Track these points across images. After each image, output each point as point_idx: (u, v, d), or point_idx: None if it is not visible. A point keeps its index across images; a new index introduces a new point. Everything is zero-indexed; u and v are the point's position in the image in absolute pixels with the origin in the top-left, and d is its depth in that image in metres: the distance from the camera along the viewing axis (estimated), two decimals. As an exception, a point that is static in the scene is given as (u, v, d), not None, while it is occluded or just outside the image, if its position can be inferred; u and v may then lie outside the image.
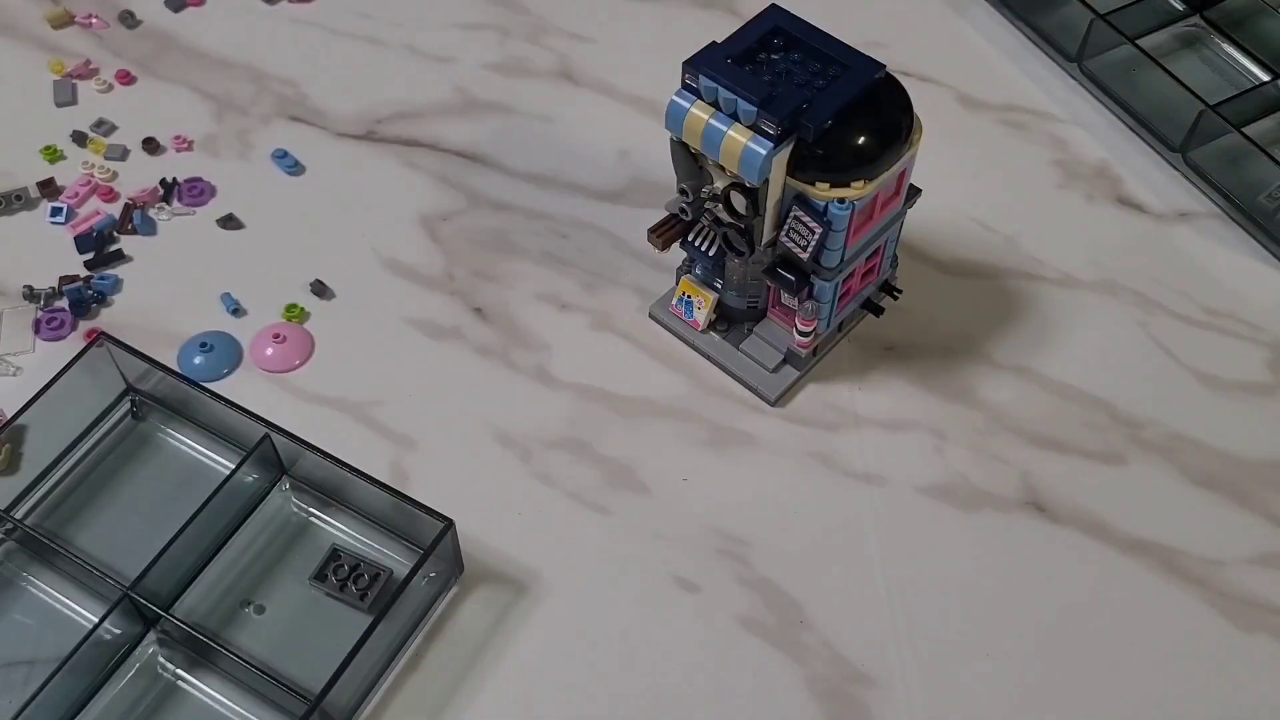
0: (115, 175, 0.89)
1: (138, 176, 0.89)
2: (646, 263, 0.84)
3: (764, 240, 0.72)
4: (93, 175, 0.88)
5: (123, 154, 0.90)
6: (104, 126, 0.91)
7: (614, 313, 0.83)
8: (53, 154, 0.89)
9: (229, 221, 0.87)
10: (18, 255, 0.84)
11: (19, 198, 0.86)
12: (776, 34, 0.69)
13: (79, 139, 0.90)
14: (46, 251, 0.84)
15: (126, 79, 0.94)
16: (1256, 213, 0.87)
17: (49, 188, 0.87)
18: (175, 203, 0.87)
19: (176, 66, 0.96)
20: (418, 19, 1.00)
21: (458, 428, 0.77)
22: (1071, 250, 0.87)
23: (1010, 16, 1.01)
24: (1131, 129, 0.93)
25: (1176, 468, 0.77)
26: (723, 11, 1.00)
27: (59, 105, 0.92)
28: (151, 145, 0.90)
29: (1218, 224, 0.89)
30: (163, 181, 0.88)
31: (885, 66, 0.68)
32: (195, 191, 0.87)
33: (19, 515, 0.72)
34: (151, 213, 0.87)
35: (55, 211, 0.86)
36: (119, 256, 0.84)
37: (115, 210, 0.87)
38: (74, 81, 0.94)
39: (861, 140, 0.67)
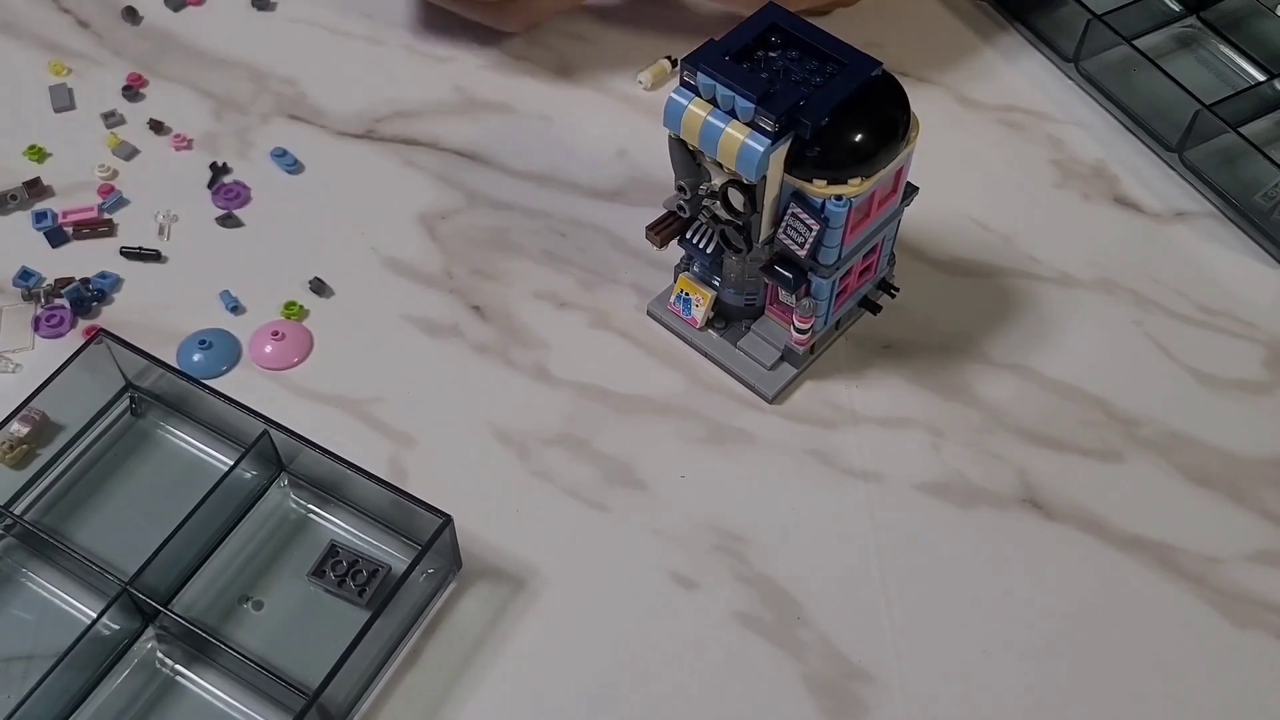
0: (115, 174, 0.89)
1: (143, 175, 0.89)
2: (644, 261, 0.85)
3: (762, 237, 0.72)
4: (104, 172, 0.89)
5: (130, 153, 0.90)
6: (113, 118, 0.92)
7: (612, 311, 0.83)
8: (37, 154, 0.90)
9: (228, 220, 0.87)
10: (17, 254, 0.84)
11: (14, 197, 0.87)
12: (774, 31, 0.69)
13: (108, 118, 0.92)
14: (45, 251, 0.85)
15: (139, 83, 0.95)
16: (1253, 212, 0.87)
17: (35, 187, 0.87)
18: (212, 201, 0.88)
19: (176, 65, 0.96)
20: (417, 19, 1.00)
21: (456, 425, 0.77)
22: (1068, 249, 0.87)
23: (1007, 17, 1.01)
24: (1128, 129, 0.94)
25: (1173, 465, 0.77)
26: (720, 11, 1.00)
27: (57, 110, 0.93)
28: (157, 126, 0.92)
29: (1214, 223, 0.89)
30: (213, 165, 0.89)
31: (882, 64, 0.68)
32: (232, 194, 0.88)
33: (18, 511, 0.72)
34: (161, 215, 0.87)
35: (40, 217, 0.86)
36: (155, 256, 0.85)
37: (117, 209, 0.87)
38: (70, 88, 0.94)
39: (858, 137, 0.67)
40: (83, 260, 0.84)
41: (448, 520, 0.68)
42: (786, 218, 0.70)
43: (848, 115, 0.67)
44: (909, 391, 0.80)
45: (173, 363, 0.78)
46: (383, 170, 0.90)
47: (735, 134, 0.66)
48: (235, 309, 0.82)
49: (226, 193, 0.88)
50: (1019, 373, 0.81)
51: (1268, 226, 0.87)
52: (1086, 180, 0.91)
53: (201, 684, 0.68)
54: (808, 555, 0.73)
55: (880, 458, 0.77)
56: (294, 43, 0.98)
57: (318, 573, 0.70)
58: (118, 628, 0.67)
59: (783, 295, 0.77)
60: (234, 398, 0.72)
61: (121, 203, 0.87)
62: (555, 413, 0.78)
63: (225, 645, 0.65)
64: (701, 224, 0.75)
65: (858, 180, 0.68)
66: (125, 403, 0.77)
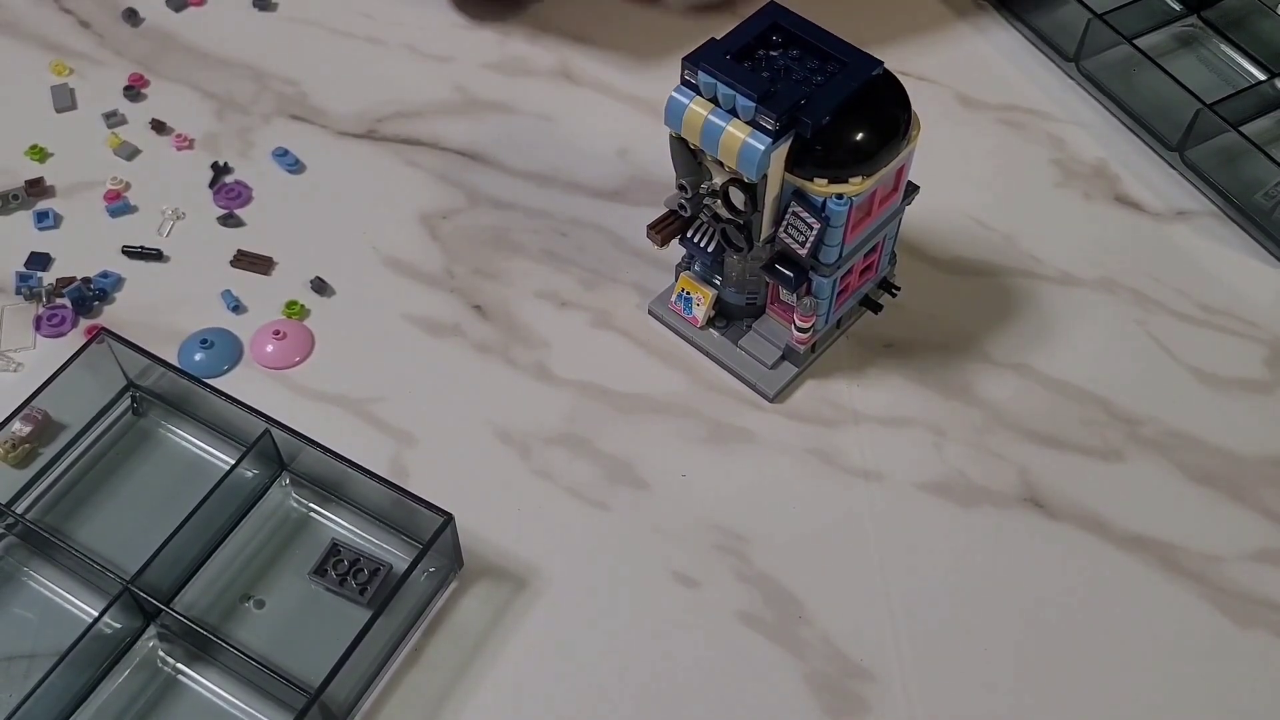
0: (129, 185, 0.89)
1: (145, 175, 0.89)
2: (646, 260, 0.85)
3: (762, 236, 0.72)
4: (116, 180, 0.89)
5: (131, 153, 0.90)
6: (115, 118, 0.92)
7: (613, 310, 0.83)
8: (39, 154, 0.90)
9: (230, 219, 0.87)
10: (19, 253, 0.84)
11: (15, 197, 0.87)
12: (775, 30, 0.69)
13: (110, 118, 0.92)
14: (47, 250, 0.85)
15: (140, 83, 0.95)
16: (1254, 211, 0.87)
17: (37, 187, 0.87)
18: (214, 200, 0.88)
19: (178, 65, 0.96)
20: (418, 19, 1.00)
21: (457, 424, 0.77)
22: (1070, 248, 0.87)
23: (1008, 16, 1.01)
24: (1129, 128, 0.94)
25: (1174, 464, 0.77)
26: (721, 10, 1.00)
27: (58, 110, 0.93)
28: (159, 126, 0.92)
29: (1215, 222, 0.89)
30: (214, 165, 0.89)
31: (883, 63, 0.69)
32: (233, 194, 0.88)
33: (20, 510, 0.72)
34: (163, 214, 0.87)
35: (42, 216, 0.86)
36: (156, 256, 0.85)
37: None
38: (72, 88, 0.94)
39: (859, 136, 0.67)
40: (84, 260, 0.84)
41: (449, 519, 0.68)
42: (788, 216, 0.70)
43: (849, 114, 0.67)
44: (910, 390, 0.80)
45: (174, 362, 0.78)
46: (384, 170, 0.90)
47: (736, 133, 0.66)
48: (236, 308, 0.82)
49: (228, 192, 0.88)
50: (1020, 372, 0.81)
51: (1269, 225, 0.87)
52: (1087, 179, 0.91)
53: (203, 682, 0.68)
54: (809, 554, 0.73)
55: (881, 457, 0.77)
56: (295, 43, 0.98)
57: (319, 571, 0.70)
58: (119, 626, 0.67)
59: (784, 294, 0.77)
60: (235, 397, 0.73)
61: (127, 208, 0.87)
62: (556, 412, 0.78)
63: (227, 644, 0.65)
64: (702, 223, 0.75)
65: (859, 179, 0.68)
66: (127, 402, 0.77)
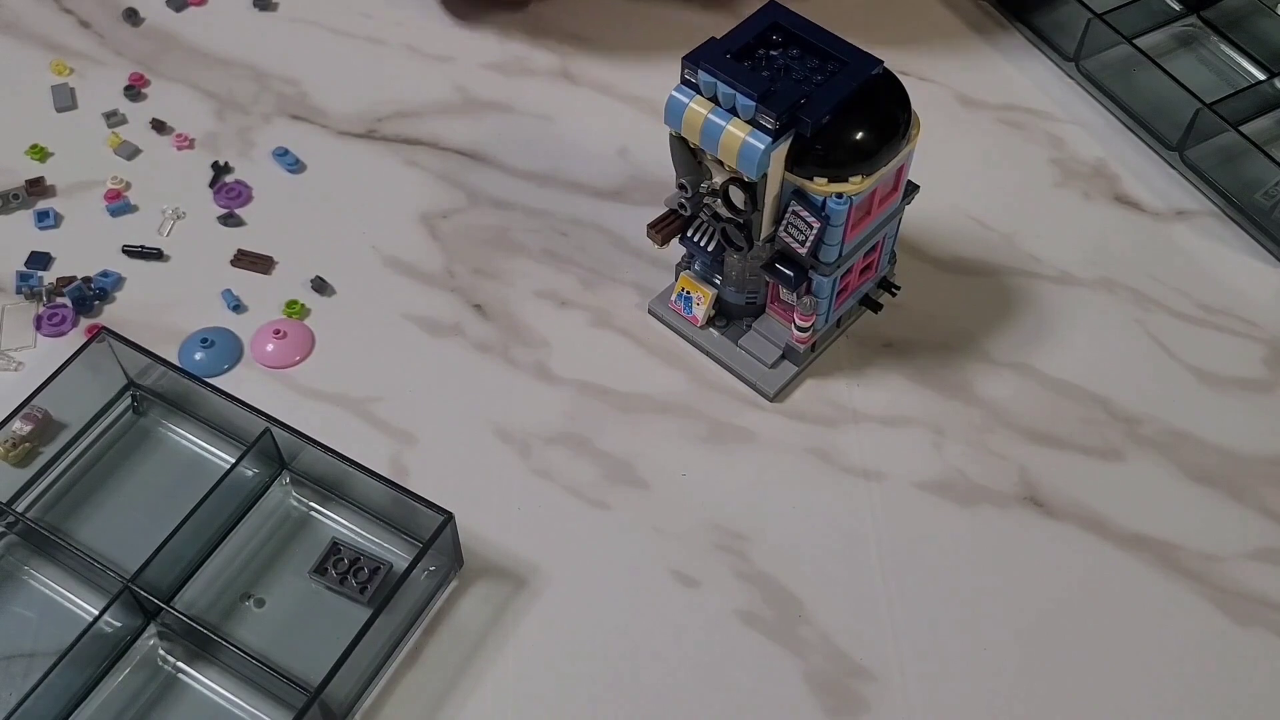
0: (129, 185, 0.89)
1: (145, 175, 0.89)
2: (646, 260, 0.85)
3: (763, 235, 0.72)
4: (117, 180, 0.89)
5: (132, 153, 0.90)
6: (115, 118, 0.92)
7: (613, 309, 0.83)
8: (40, 153, 0.90)
9: (230, 219, 0.87)
10: (20, 252, 0.85)
11: (16, 196, 0.87)
12: (775, 30, 0.69)
13: (110, 117, 0.92)
14: (48, 249, 0.85)
15: (141, 82, 0.95)
16: (1253, 210, 0.88)
17: (38, 187, 0.88)
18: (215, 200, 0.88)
19: (178, 65, 0.96)
20: (418, 19, 1.00)
21: (457, 423, 0.77)
22: (1069, 248, 0.87)
23: (1008, 16, 1.01)
24: (1129, 128, 0.94)
25: (1174, 464, 0.77)
26: (721, 10, 1.00)
27: (59, 110, 0.93)
28: (159, 125, 0.92)
29: (1215, 222, 0.89)
30: (214, 165, 0.89)
31: (883, 63, 0.69)
32: (233, 194, 0.88)
33: (20, 509, 0.72)
34: (164, 214, 0.87)
35: (42, 216, 0.86)
36: (157, 255, 0.85)
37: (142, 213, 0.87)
38: (72, 88, 0.94)
39: (859, 135, 0.67)
40: (85, 259, 0.84)
41: (449, 518, 0.68)
42: (787, 216, 0.70)
43: (849, 113, 0.67)
44: (910, 390, 0.80)
45: (175, 361, 0.78)
46: (384, 170, 0.90)
47: (736, 132, 0.66)
48: (237, 308, 0.82)
49: (228, 192, 0.88)
50: (1020, 371, 0.81)
51: (1268, 225, 0.87)
52: (1087, 179, 0.91)
53: (203, 681, 0.68)
54: (809, 553, 0.73)
55: (881, 456, 0.77)
56: (295, 43, 0.98)
57: (319, 570, 0.70)
58: (119, 625, 0.67)
59: (784, 293, 0.77)
60: (236, 396, 0.73)
61: (127, 208, 0.87)
62: (556, 411, 0.78)
63: (227, 643, 0.65)
64: (703, 222, 0.75)
65: (859, 178, 0.68)
66: (127, 401, 0.77)
